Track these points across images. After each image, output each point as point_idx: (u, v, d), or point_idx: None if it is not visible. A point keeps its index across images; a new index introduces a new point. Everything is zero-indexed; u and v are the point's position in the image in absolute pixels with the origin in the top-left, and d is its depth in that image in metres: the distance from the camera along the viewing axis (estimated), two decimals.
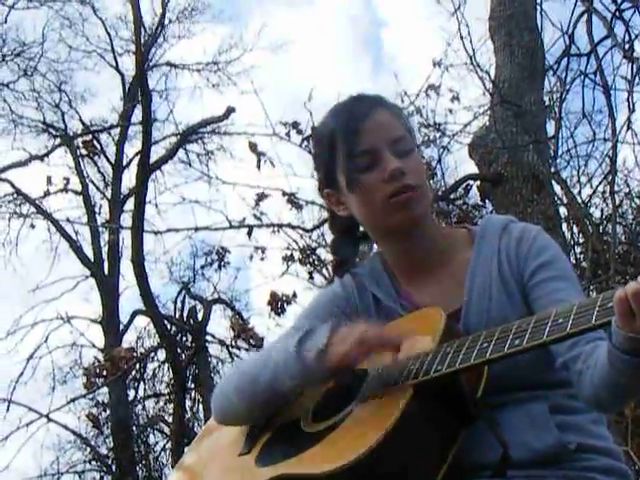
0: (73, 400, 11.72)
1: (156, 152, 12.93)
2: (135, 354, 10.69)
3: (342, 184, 2.03)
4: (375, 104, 2.05)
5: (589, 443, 1.85)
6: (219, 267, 10.19)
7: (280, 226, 7.55)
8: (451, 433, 1.77)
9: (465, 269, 2.00)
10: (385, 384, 1.82)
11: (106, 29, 15.52)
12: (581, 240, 8.05)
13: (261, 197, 7.39)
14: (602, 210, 8.43)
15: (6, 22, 15.09)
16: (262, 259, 8.39)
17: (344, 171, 2.01)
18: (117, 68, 15.69)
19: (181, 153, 14.69)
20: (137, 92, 14.40)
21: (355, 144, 1.99)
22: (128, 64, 15.76)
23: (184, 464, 2.37)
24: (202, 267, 11.08)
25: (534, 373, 1.86)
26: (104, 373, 9.14)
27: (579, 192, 7.76)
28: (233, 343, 9.85)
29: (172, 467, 12.34)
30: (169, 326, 10.92)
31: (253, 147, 7.18)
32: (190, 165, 14.41)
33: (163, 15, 15.21)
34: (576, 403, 1.85)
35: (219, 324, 13.75)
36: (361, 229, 2.17)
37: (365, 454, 1.67)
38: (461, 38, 6.49)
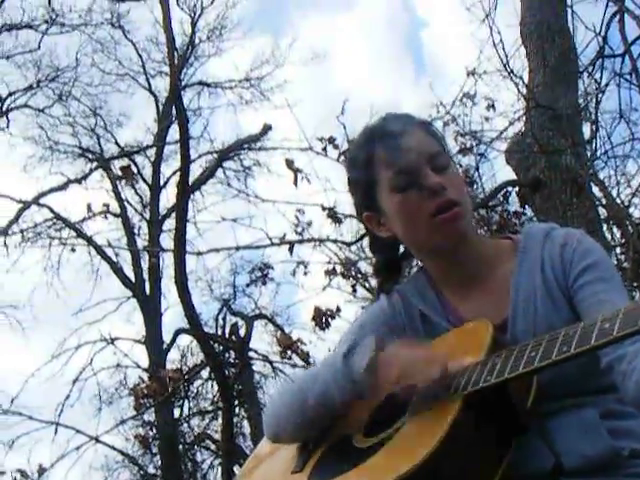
0: (123, 422, 11.81)
1: (193, 170, 13.00)
2: (182, 374, 10.73)
3: (383, 206, 2.04)
4: (407, 123, 2.06)
5: None
6: (263, 284, 10.20)
7: (321, 241, 7.56)
8: (503, 442, 1.77)
9: (510, 280, 1.99)
10: (434, 397, 1.82)
11: (137, 51, 15.75)
12: (622, 241, 7.99)
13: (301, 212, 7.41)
14: None
15: (39, 48, 15.33)
16: (305, 274, 8.43)
17: (384, 192, 2.01)
18: (150, 90, 15.88)
19: (219, 171, 14.80)
20: (170, 112, 14.58)
21: (393, 164, 1.99)
22: (160, 85, 15.95)
23: (244, 476, 2.35)
24: (247, 285, 11.09)
25: (583, 379, 1.85)
26: (152, 394, 9.18)
27: (618, 193, 7.72)
28: (279, 357, 9.86)
29: None
30: (213, 344, 10.94)
31: (290, 164, 7.21)
32: (229, 185, 14.50)
33: (193, 34, 15.36)
34: (627, 408, 1.84)
35: (261, 339, 13.76)
36: (402, 247, 2.18)
37: (417, 466, 1.68)
38: (494, 45, 6.48)
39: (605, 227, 7.58)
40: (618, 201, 7.57)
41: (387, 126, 2.06)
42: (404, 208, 1.99)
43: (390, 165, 1.99)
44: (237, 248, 7.77)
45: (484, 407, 1.76)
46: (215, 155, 14.61)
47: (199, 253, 10.00)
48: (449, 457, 1.70)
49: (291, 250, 7.51)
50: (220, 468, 13.06)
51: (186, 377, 11.54)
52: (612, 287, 1.90)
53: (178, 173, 11.56)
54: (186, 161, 9.82)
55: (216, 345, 11.47)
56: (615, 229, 8.07)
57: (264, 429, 2.19)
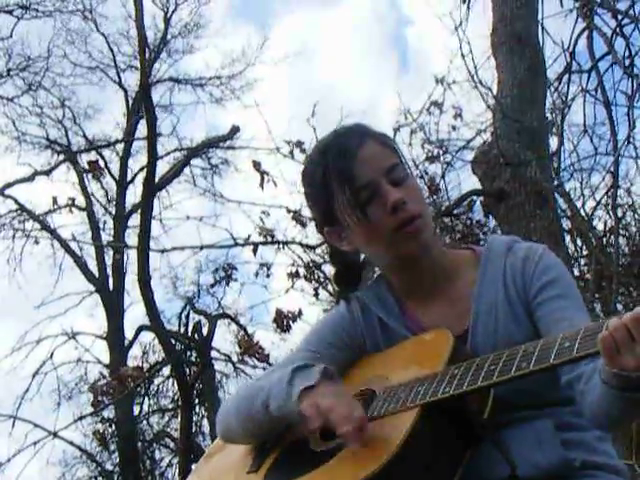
0: (81, 418, 11.72)
1: (160, 167, 12.98)
2: (142, 372, 10.69)
3: (343, 221, 2.02)
4: (362, 136, 2.04)
5: (593, 460, 1.88)
6: (227, 284, 10.20)
7: (285, 243, 7.56)
8: (459, 452, 1.79)
9: (471, 290, 2.01)
10: (394, 404, 1.85)
11: (109, 45, 15.65)
12: (585, 252, 8.08)
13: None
14: (605, 222, 8.47)
15: (12, 36, 15.21)
16: (268, 276, 8.44)
17: (344, 209, 2.00)
18: (120, 84, 15.79)
19: (186, 169, 14.76)
20: (140, 108, 14.50)
21: (351, 180, 1.97)
22: (131, 80, 15.89)
23: (197, 472, 2.36)
24: (212, 285, 11.08)
25: (540, 392, 1.88)
26: (111, 391, 9.13)
27: (582, 205, 7.81)
28: (239, 359, 9.85)
29: None
30: (174, 342, 10.92)
31: (257, 166, 7.22)
32: (195, 184, 14.46)
33: (166, 31, 15.32)
34: (582, 420, 1.86)
35: (224, 339, 13.75)
36: (362, 256, 2.18)
37: (374, 473, 1.69)
38: (462, 56, 6.52)
39: (569, 238, 7.67)
40: (582, 213, 7.66)
41: (341, 142, 2.03)
42: (365, 225, 1.99)
43: (348, 182, 1.97)
44: (201, 247, 7.76)
45: (441, 417, 1.79)
46: (183, 153, 14.57)
47: (163, 250, 9.97)
48: (406, 465, 1.72)
49: (255, 251, 7.52)
50: (178, 466, 13.01)
51: (147, 375, 11.49)
52: (572, 304, 1.93)
53: (144, 169, 11.53)
54: (153, 158, 9.79)
55: (178, 343, 11.46)
56: (578, 241, 8.17)
57: (217, 429, 2.19)
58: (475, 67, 6.55)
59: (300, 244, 7.44)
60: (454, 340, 1.90)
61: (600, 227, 8.41)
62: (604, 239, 8.20)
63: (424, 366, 1.88)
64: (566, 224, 7.44)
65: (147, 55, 12.99)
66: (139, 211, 13.29)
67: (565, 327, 1.77)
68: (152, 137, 9.65)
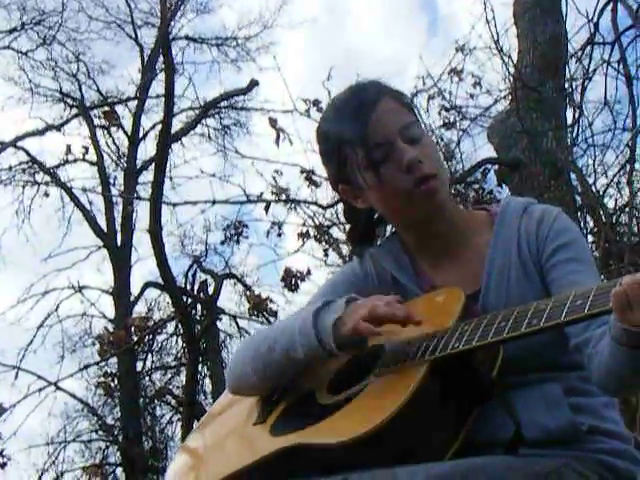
0: (86, 367, 11.77)
1: (173, 125, 12.90)
2: (148, 324, 10.72)
3: (358, 180, 2.00)
4: (377, 93, 2.01)
5: (600, 426, 1.87)
6: (237, 242, 10.16)
7: (297, 202, 7.55)
8: (465, 410, 1.79)
9: (485, 251, 2.00)
10: (402, 359, 1.84)
11: (126, 0, 15.53)
12: (594, 230, 8.04)
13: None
14: (616, 201, 8.42)
15: None
16: (279, 235, 8.42)
17: (358, 168, 1.98)
18: (136, 40, 15.69)
19: (199, 127, 14.71)
20: (155, 65, 14.45)
21: (365, 139, 1.95)
22: (147, 36, 15.77)
23: (200, 429, 2.37)
24: (222, 243, 11.01)
25: (549, 355, 1.87)
26: (117, 342, 9.17)
27: (595, 181, 7.76)
28: (247, 314, 9.86)
29: (181, 439, 12.41)
30: (181, 297, 10.92)
31: (273, 122, 7.17)
32: (210, 138, 14.41)
33: None
34: (589, 386, 1.86)
35: (229, 299, 13.75)
36: (376, 214, 2.16)
37: (379, 426, 1.69)
38: (487, 22, 6.46)
39: (579, 214, 7.63)
40: (593, 190, 7.61)
41: (355, 100, 2.01)
42: (380, 184, 1.97)
43: (362, 141, 1.95)
44: (214, 202, 7.70)
45: (449, 373, 1.78)
46: (197, 111, 14.50)
47: (175, 204, 9.97)
48: (410, 420, 1.71)
49: (267, 209, 7.50)
50: (179, 424, 13.10)
51: (153, 326, 11.52)
52: (585, 268, 1.91)
53: (157, 127, 11.50)
54: (169, 110, 9.75)
55: (185, 299, 11.47)
56: (588, 217, 8.13)
57: (227, 378, 2.19)
58: (497, 34, 6.50)
59: (313, 203, 7.41)
60: (465, 298, 1.89)
61: (611, 205, 8.37)
62: (614, 217, 8.15)
63: (434, 323, 1.87)
64: (577, 200, 7.40)
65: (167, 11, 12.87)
66: (150, 168, 13.30)
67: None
68: (170, 92, 9.61)
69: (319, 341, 1.90)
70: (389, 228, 2.23)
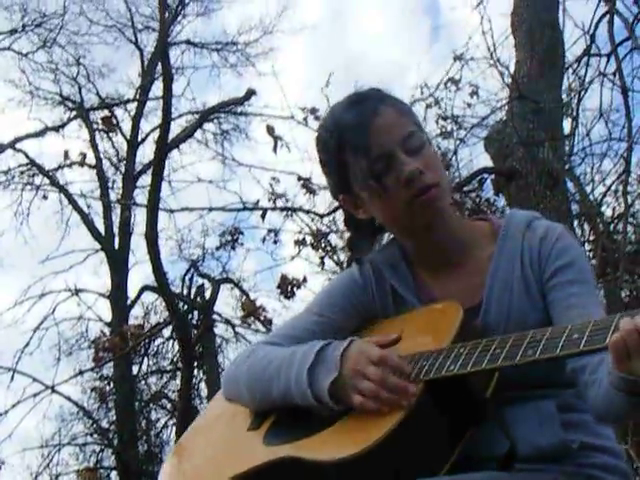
0: (81, 372, 11.78)
1: (172, 129, 12.92)
2: (144, 331, 10.73)
3: (358, 190, 2.00)
4: (377, 103, 1.99)
5: (592, 441, 1.88)
6: (232, 248, 10.18)
7: (294, 210, 7.55)
8: (459, 429, 1.80)
9: (486, 264, 1.99)
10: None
11: (127, 4, 15.54)
12: (591, 238, 8.06)
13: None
14: (614, 209, 8.44)
15: None
16: (275, 242, 8.43)
17: (359, 180, 1.97)
18: (136, 44, 15.70)
19: (197, 133, 14.72)
20: (154, 68, 14.45)
21: (365, 151, 1.94)
22: (147, 40, 15.79)
23: (194, 430, 2.31)
24: (217, 248, 11.04)
25: (545, 373, 1.86)
26: (113, 348, 9.17)
27: (592, 190, 7.78)
28: (242, 322, 9.87)
29: (175, 443, 12.39)
30: (178, 302, 10.92)
31: (270, 130, 7.18)
32: (207, 145, 14.42)
33: None
34: (583, 402, 1.85)
35: (226, 304, 13.75)
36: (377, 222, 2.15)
37: (376, 444, 1.71)
38: (483, 33, 6.49)
39: (576, 223, 7.65)
40: (591, 198, 7.64)
41: (355, 110, 1.99)
42: (381, 195, 1.96)
43: (362, 154, 1.95)
44: (210, 209, 7.74)
45: (444, 393, 1.79)
46: (196, 115, 14.51)
47: (172, 210, 9.97)
48: (405, 439, 1.73)
49: (263, 216, 7.51)
50: (174, 428, 13.09)
51: (148, 334, 11.53)
52: (585, 290, 1.90)
53: (157, 130, 11.48)
54: (167, 115, 9.77)
55: (181, 304, 11.47)
56: (586, 225, 8.15)
57: (222, 387, 2.18)
58: (494, 45, 6.53)
59: (309, 211, 7.42)
60: (463, 314, 1.89)
61: (608, 214, 8.39)
62: (612, 225, 8.18)
63: (431, 338, 1.88)
64: (574, 208, 7.42)
65: (166, 15, 12.89)
66: (148, 172, 13.29)
67: (575, 315, 1.78)
68: (168, 96, 9.62)
69: (317, 400, 1.87)
70: (387, 235, 2.22)
